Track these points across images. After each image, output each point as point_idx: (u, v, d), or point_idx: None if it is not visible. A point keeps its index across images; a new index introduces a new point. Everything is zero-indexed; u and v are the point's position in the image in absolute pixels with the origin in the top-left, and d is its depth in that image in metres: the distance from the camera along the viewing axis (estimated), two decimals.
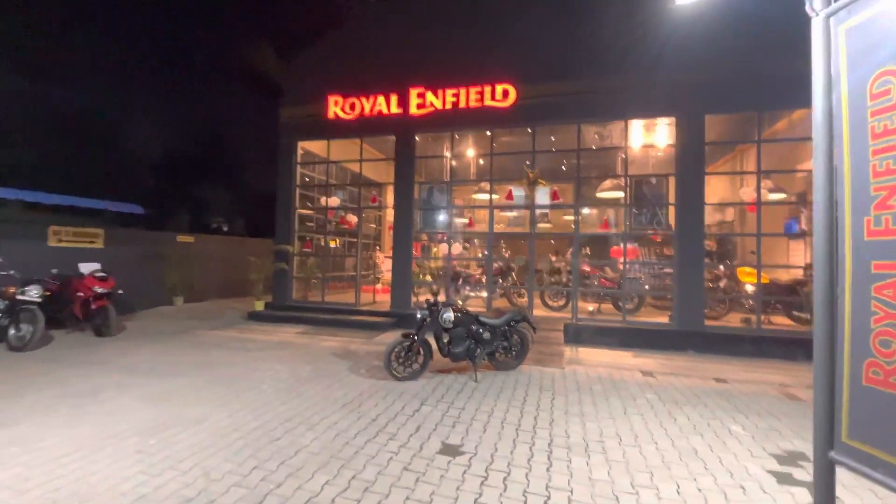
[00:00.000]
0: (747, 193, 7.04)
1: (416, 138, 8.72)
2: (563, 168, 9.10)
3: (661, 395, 4.80)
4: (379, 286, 12.25)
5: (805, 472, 3.15)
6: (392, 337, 7.21)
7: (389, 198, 9.89)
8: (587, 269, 8.43)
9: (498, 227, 10.85)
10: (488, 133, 8.55)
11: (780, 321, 7.48)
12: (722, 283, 7.99)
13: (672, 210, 7.21)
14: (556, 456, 3.32)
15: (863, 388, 2.17)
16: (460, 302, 4.84)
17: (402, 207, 8.60)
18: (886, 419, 2.02)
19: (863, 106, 2.16)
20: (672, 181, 7.15)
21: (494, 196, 8.40)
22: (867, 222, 2.24)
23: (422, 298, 8.90)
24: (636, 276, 7.86)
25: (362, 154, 9.41)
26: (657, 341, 6.92)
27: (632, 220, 7.34)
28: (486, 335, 5.26)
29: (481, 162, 10.76)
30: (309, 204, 10.92)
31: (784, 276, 7.85)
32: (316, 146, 10.01)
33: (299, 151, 9.76)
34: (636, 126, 7.94)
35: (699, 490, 2.89)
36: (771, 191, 7.38)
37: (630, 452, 3.40)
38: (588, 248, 9.22)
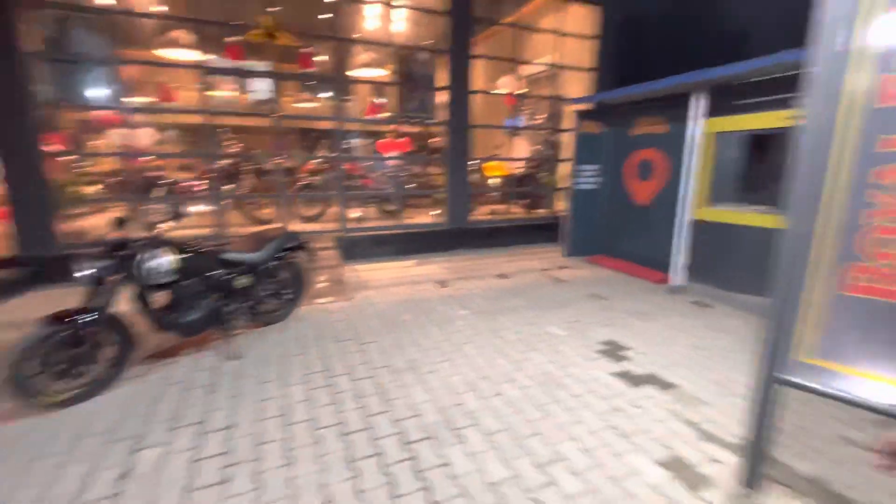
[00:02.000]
0: (508, 84, 6.88)
1: None
2: (311, 23, 6.61)
3: (469, 307, 4.23)
4: None
5: (633, 364, 3.15)
6: (24, 306, 3.80)
7: None
8: (350, 166, 6.88)
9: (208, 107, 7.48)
10: None
11: (515, 211, 8.38)
12: (472, 178, 8.15)
13: (439, 97, 6.36)
14: (424, 463, 2.11)
15: (843, 297, 1.64)
16: (163, 227, 2.52)
17: None
18: (872, 330, 1.61)
19: None
20: (443, 61, 6.15)
21: (206, 56, 5.28)
22: (886, 82, 1.49)
23: (87, 224, 5.27)
24: (404, 173, 6.96)
25: None
26: (431, 243, 6.45)
27: (402, 107, 6.09)
28: (241, 281, 3.18)
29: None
30: None
31: (509, 169, 8.66)
32: None
33: None
34: None
35: (594, 433, 2.34)
36: (511, 83, 7.56)
37: (503, 410, 2.56)
38: (349, 142, 7.55)
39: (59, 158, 5.04)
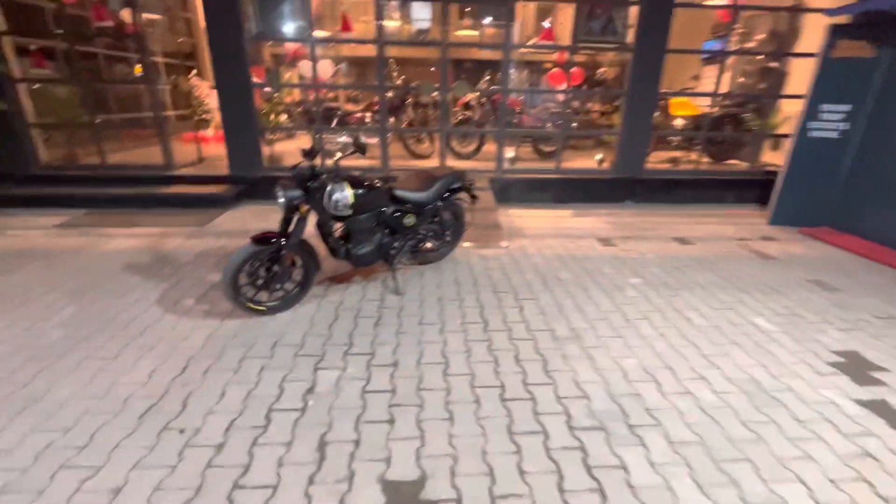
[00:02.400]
0: None
1: None
2: None
3: (642, 274, 3.62)
4: (210, 132, 8.53)
5: (890, 391, 2.28)
6: (237, 218, 4.57)
7: None
8: (508, 101, 6.37)
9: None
10: None
11: (701, 160, 6.91)
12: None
13: (631, 15, 5.22)
14: (595, 459, 1.83)
15: None
16: (343, 157, 2.55)
17: None
18: None
19: None
20: None
21: None
22: None
23: (277, 151, 5.99)
24: (568, 109, 6.16)
25: None
26: (592, 192, 5.73)
27: (578, 30, 5.19)
28: (409, 220, 3.17)
29: None
30: None
31: (700, 108, 7.00)
32: None
33: None
34: None
35: (837, 483, 1.73)
36: None
37: (694, 416, 2.08)
38: (512, 72, 6.99)
39: (259, 90, 5.68)
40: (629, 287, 3.40)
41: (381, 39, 5.04)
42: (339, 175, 2.66)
